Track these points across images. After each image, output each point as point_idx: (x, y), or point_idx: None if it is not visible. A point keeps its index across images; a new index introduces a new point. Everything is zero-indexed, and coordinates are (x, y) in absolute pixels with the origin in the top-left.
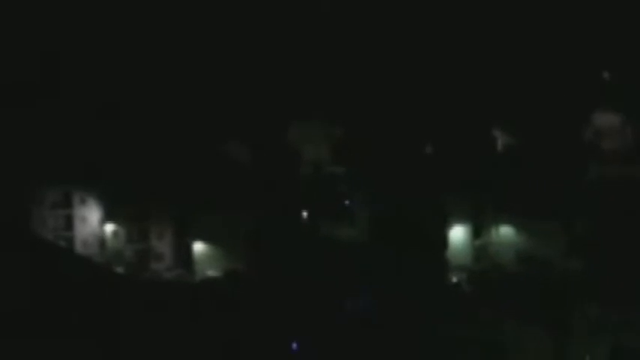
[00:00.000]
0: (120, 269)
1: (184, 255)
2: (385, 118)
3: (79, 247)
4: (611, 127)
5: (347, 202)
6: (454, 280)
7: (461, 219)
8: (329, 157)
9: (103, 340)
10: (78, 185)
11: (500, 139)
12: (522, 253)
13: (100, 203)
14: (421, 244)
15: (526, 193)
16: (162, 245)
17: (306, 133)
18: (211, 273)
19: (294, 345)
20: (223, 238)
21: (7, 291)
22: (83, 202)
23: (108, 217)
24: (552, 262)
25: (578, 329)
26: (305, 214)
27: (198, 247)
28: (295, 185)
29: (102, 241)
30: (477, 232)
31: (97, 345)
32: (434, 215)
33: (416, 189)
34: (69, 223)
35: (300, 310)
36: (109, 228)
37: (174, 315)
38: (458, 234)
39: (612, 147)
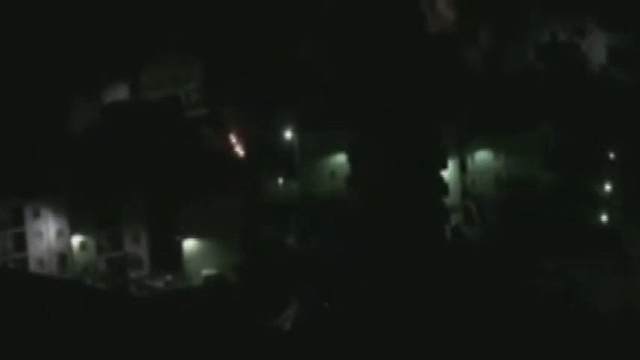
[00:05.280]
0: (91, 284)
1: (172, 256)
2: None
3: (33, 268)
4: None
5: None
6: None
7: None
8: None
9: None
10: (29, 198)
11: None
12: (502, 177)
13: (59, 214)
14: (417, 191)
15: (493, 109)
16: (140, 249)
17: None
18: (207, 272)
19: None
20: (215, 229)
21: None
22: (37, 215)
23: (72, 228)
24: (534, 179)
25: None
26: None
27: (188, 244)
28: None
29: (63, 257)
30: (462, 165)
31: None
32: (433, 154)
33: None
34: (20, 242)
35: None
36: (75, 240)
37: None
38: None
39: None
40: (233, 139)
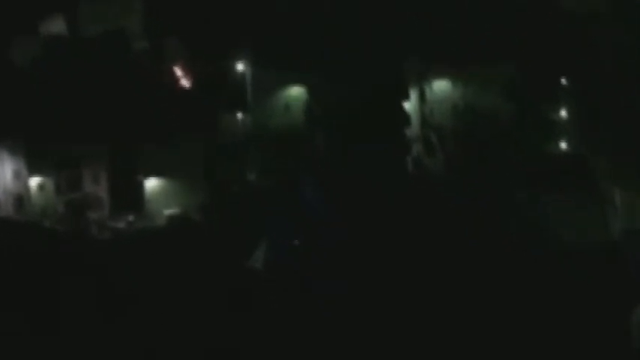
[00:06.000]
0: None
1: (134, 195)
2: None
3: None
4: None
5: None
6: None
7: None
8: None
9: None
10: None
11: None
12: (460, 107)
13: (15, 155)
14: (379, 123)
15: (454, 38)
16: (100, 190)
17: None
18: (170, 212)
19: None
20: (177, 168)
21: None
22: None
23: (30, 169)
24: (493, 107)
25: None
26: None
27: (150, 184)
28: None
29: (20, 198)
30: (422, 95)
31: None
32: (394, 84)
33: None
34: None
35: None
36: (33, 181)
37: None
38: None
39: None
40: (178, 72)
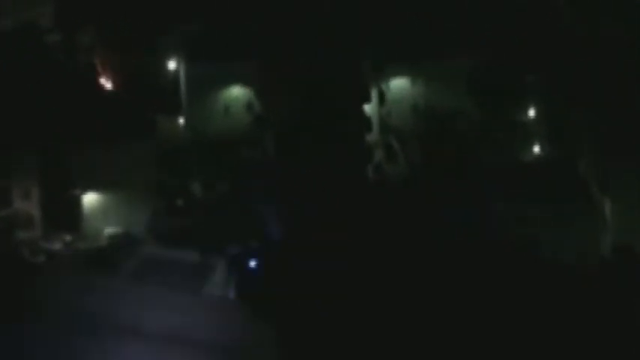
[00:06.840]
0: None
1: (70, 213)
2: None
3: None
4: None
5: None
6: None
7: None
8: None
9: None
10: None
11: None
12: (420, 107)
13: None
14: (336, 128)
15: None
16: (31, 207)
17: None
18: (111, 230)
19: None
20: (119, 181)
21: None
22: None
23: None
24: (458, 108)
25: None
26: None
27: (88, 199)
28: None
29: None
30: (381, 97)
31: None
32: (352, 86)
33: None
34: None
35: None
36: None
37: None
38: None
39: None
40: (98, 69)
